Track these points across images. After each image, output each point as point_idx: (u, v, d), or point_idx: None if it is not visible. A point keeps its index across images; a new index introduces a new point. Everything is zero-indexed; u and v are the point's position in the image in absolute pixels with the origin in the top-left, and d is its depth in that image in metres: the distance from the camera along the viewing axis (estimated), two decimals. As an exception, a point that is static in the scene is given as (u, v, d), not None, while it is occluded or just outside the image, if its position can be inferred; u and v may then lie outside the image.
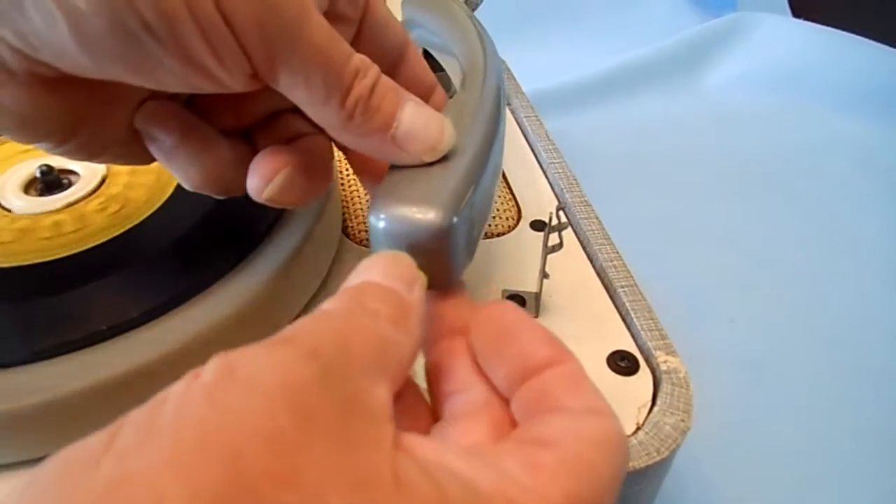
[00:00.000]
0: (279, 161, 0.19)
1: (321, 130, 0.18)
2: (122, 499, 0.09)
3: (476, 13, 0.43)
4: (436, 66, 0.35)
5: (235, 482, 0.09)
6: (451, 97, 0.38)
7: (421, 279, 0.16)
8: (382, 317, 0.14)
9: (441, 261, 0.17)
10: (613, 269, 0.26)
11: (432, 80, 0.23)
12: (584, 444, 0.14)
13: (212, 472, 0.09)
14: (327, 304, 0.14)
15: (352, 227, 0.29)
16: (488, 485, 0.12)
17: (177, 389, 0.11)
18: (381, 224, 0.17)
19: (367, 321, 0.14)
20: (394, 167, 0.18)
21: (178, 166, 0.19)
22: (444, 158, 0.18)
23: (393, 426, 0.12)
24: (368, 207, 0.17)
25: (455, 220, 0.16)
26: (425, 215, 0.16)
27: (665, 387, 0.22)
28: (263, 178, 0.19)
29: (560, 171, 0.32)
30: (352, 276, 0.16)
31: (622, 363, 0.23)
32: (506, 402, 0.15)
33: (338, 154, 0.33)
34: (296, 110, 0.18)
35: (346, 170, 0.32)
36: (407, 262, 0.16)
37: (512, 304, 0.16)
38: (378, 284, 0.15)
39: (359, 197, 0.31)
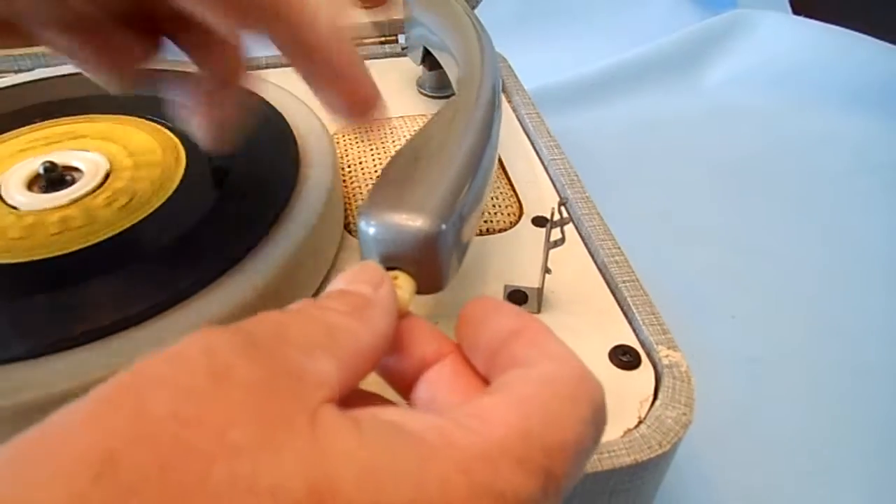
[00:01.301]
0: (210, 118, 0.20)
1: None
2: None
3: (477, 10, 0.44)
4: (434, 65, 0.36)
5: (142, 420, 0.10)
6: (448, 97, 0.38)
7: (388, 281, 0.16)
8: (333, 308, 0.14)
9: (430, 266, 0.17)
10: (615, 265, 0.27)
11: None
12: (532, 384, 0.14)
13: (123, 416, 0.10)
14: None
15: (354, 223, 0.29)
16: (419, 424, 0.12)
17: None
18: (371, 230, 0.17)
19: (316, 312, 0.14)
20: (385, 171, 0.19)
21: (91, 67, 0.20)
22: (434, 164, 0.18)
23: (327, 394, 0.12)
24: (358, 211, 0.17)
25: (443, 227, 0.17)
26: (413, 222, 0.16)
27: (667, 381, 0.22)
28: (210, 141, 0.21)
29: (561, 167, 0.32)
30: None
31: (624, 358, 0.23)
32: None
33: (341, 150, 0.33)
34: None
35: (349, 166, 0.32)
36: (373, 267, 0.16)
37: (485, 297, 0.16)
38: (339, 289, 0.15)
39: (361, 193, 0.31)
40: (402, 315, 0.16)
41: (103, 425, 0.10)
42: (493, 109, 0.22)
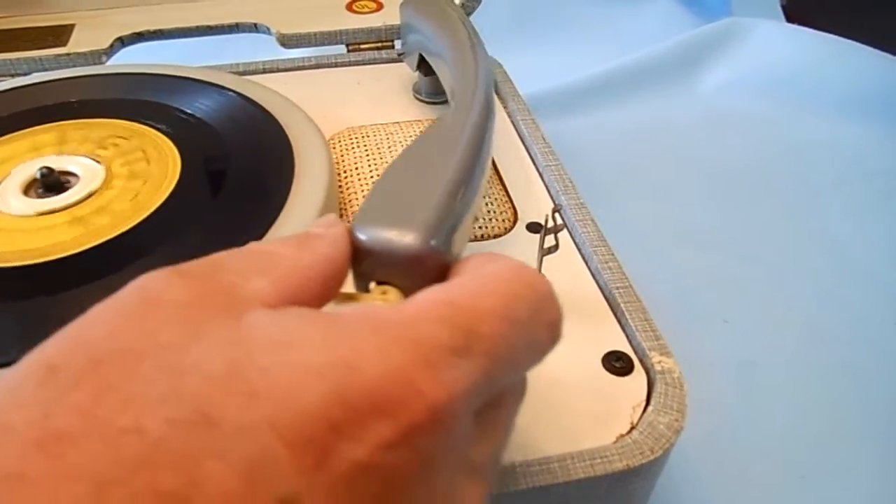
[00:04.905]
0: None
1: None
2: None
3: (473, 16, 0.44)
4: (429, 71, 0.36)
5: (78, 340, 0.11)
6: (444, 103, 0.38)
7: (340, 224, 0.16)
8: (275, 242, 0.15)
9: (420, 281, 0.17)
10: (608, 271, 0.27)
11: None
12: (465, 275, 0.14)
13: (61, 340, 0.11)
14: None
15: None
16: (350, 313, 0.12)
17: None
18: (361, 245, 0.17)
19: (255, 246, 0.15)
20: (378, 184, 0.19)
21: None
22: (425, 178, 0.19)
23: (257, 305, 0.13)
24: (352, 220, 0.17)
25: (433, 242, 0.17)
26: (402, 238, 0.16)
27: (659, 387, 0.22)
28: None
29: (556, 173, 0.32)
30: None
31: (617, 364, 0.23)
32: None
33: (337, 155, 0.33)
34: None
35: (344, 171, 0.32)
36: (330, 216, 0.17)
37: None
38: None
39: (357, 199, 0.31)
40: None
41: (45, 350, 0.11)
42: (485, 123, 0.22)
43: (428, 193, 0.18)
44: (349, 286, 0.17)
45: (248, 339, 0.11)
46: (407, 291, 0.17)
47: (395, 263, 0.17)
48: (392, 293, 0.17)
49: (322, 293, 0.15)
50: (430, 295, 0.13)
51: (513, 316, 0.13)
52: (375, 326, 0.12)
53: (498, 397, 0.14)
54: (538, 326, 0.14)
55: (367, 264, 0.17)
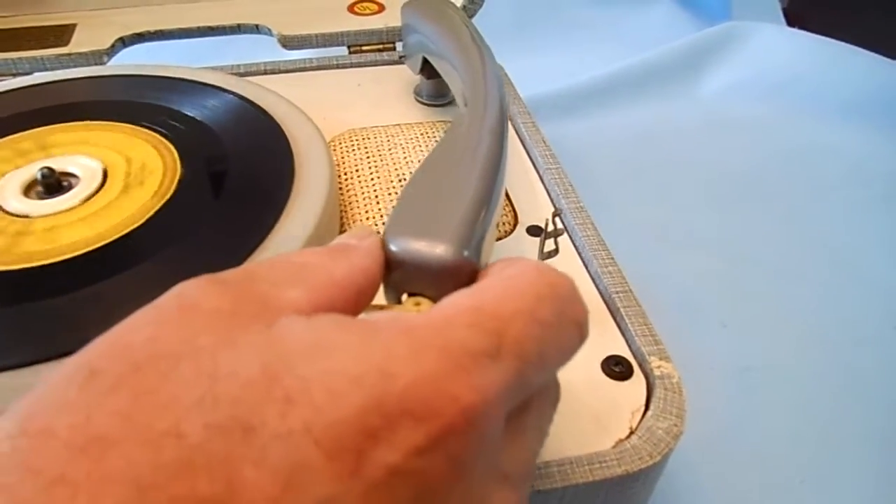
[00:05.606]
0: None
1: None
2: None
3: (474, 19, 0.44)
4: (432, 73, 0.36)
5: (118, 345, 0.12)
6: (445, 105, 0.38)
7: (373, 235, 0.16)
8: (310, 252, 0.15)
9: (452, 291, 0.17)
10: (608, 275, 0.27)
11: None
12: (490, 279, 0.14)
13: (102, 344, 0.12)
14: None
15: (349, 231, 0.29)
16: (382, 319, 0.13)
17: None
18: (394, 256, 0.17)
19: (290, 256, 0.15)
20: (406, 193, 0.19)
21: None
22: (453, 187, 0.19)
23: (291, 312, 0.13)
24: (384, 230, 0.17)
25: (465, 253, 0.17)
26: (435, 249, 0.17)
27: (658, 392, 0.22)
28: None
29: (556, 176, 0.32)
30: None
31: (616, 368, 0.23)
32: None
33: (338, 157, 0.33)
34: None
35: (345, 173, 0.32)
36: (363, 226, 0.17)
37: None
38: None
39: (356, 202, 0.31)
40: None
41: (87, 354, 0.12)
42: (503, 129, 0.22)
43: (457, 203, 0.18)
44: (380, 298, 0.17)
45: (281, 344, 0.12)
46: (436, 298, 0.16)
47: (428, 274, 0.17)
48: (425, 304, 0.17)
49: (355, 304, 0.15)
50: (458, 300, 0.13)
51: (540, 317, 0.13)
52: (407, 333, 0.12)
53: (527, 401, 0.15)
54: (565, 326, 0.14)
55: (398, 275, 0.17)
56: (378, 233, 0.17)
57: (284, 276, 0.14)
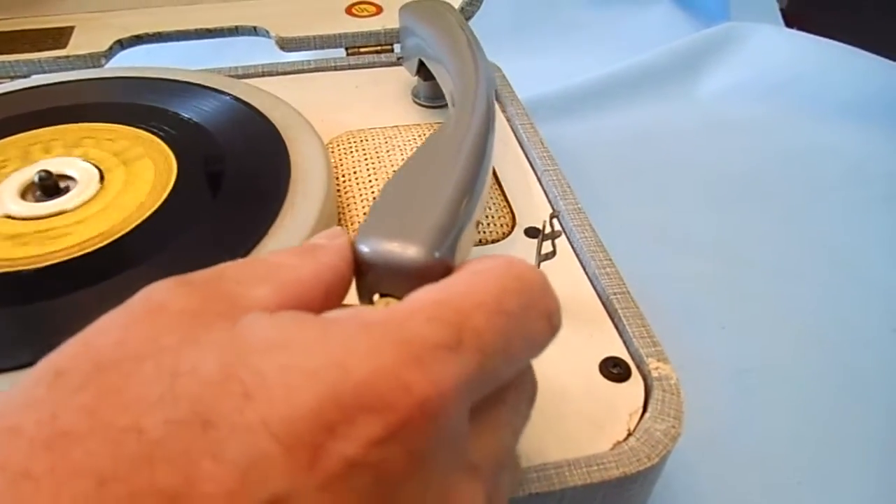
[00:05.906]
0: None
1: None
2: None
3: (472, 20, 0.44)
4: (429, 75, 0.36)
5: (85, 347, 0.12)
6: (443, 107, 0.38)
7: (344, 235, 0.17)
8: (278, 252, 0.15)
9: None
10: (606, 277, 0.27)
11: None
12: (458, 273, 0.15)
13: (70, 347, 0.12)
14: None
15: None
16: (342, 315, 0.13)
17: None
18: (365, 257, 0.17)
19: (259, 257, 0.16)
20: (382, 195, 0.19)
21: None
22: (429, 188, 0.19)
23: (258, 310, 0.13)
24: (358, 230, 0.17)
25: (437, 254, 0.17)
26: (406, 250, 0.16)
27: (656, 393, 0.22)
28: None
29: (554, 178, 0.32)
30: None
31: (614, 370, 0.23)
32: None
33: (335, 159, 0.33)
34: None
35: (342, 175, 0.32)
36: (335, 228, 0.17)
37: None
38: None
39: (354, 204, 0.31)
40: None
41: (56, 357, 0.12)
42: (486, 131, 0.22)
43: (430, 203, 0.18)
44: (353, 301, 0.17)
45: (242, 341, 0.12)
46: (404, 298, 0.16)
47: (399, 276, 0.16)
48: (394, 304, 0.17)
49: (323, 302, 0.15)
50: (422, 295, 0.14)
51: (504, 308, 0.13)
52: (366, 327, 0.12)
53: (498, 393, 0.15)
54: (532, 317, 0.14)
55: (370, 278, 0.17)
56: (346, 232, 0.17)
57: (253, 275, 0.14)
